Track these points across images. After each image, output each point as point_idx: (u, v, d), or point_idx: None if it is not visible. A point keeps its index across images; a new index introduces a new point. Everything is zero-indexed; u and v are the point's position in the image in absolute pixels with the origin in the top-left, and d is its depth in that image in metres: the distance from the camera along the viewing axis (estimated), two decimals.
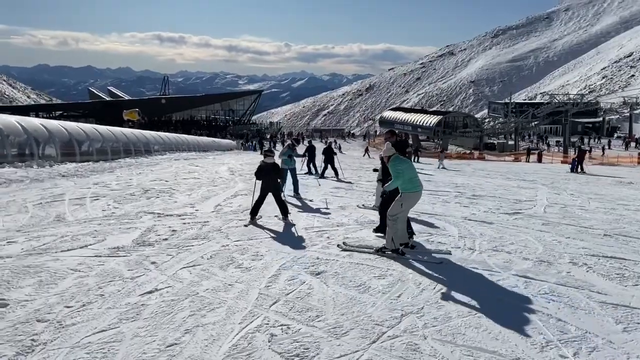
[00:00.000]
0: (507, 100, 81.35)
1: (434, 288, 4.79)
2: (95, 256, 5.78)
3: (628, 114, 79.19)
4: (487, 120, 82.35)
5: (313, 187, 14.13)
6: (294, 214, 9.10)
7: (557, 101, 63.93)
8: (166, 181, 14.17)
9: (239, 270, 5.36)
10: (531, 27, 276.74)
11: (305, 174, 18.50)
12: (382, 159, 7.06)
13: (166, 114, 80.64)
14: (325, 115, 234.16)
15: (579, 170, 25.84)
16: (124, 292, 4.52)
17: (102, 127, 25.94)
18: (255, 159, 30.75)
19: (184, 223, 8.05)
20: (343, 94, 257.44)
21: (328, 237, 7.12)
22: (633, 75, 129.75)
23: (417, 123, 67.68)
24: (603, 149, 52.85)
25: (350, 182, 16.22)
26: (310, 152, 19.05)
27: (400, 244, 6.04)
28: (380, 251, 6.13)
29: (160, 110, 79.30)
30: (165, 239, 6.83)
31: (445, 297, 4.56)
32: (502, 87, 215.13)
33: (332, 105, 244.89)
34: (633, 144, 61.13)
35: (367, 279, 5.07)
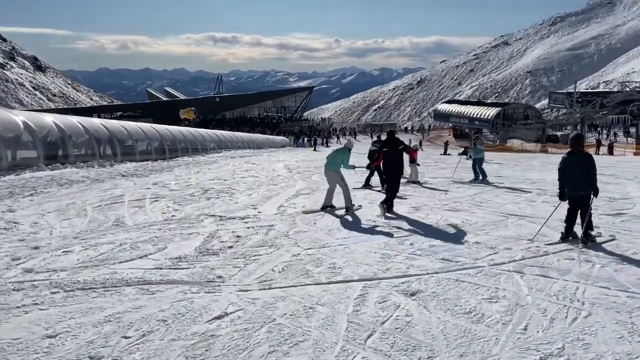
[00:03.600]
0: (570, 90, 76.90)
1: (566, 317, 3.83)
2: (156, 268, 5.17)
3: None
4: (546, 111, 78.23)
5: (377, 185, 13.22)
6: (368, 214, 8.29)
7: (629, 89, 59.58)
8: (225, 180, 13.69)
9: (318, 288, 4.58)
10: (592, 13, 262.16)
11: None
12: (381, 146, 9.34)
13: (220, 112, 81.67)
14: (375, 110, 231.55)
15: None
16: (189, 318, 3.84)
17: (160, 126, 26.10)
18: (309, 155, 30.14)
19: (248, 227, 7.39)
20: (393, 88, 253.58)
21: (412, 244, 6.23)
22: None
23: (474, 116, 65.03)
24: None
25: (416, 181, 15.29)
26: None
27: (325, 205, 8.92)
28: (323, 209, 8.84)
29: (214, 109, 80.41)
30: (230, 247, 6.17)
31: (586, 330, 3.59)
32: (561, 77, 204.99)
33: (382, 100, 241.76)
34: None
35: (475, 302, 4.15)
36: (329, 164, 8.95)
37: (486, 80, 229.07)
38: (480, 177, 14.21)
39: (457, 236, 6.68)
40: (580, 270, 5.02)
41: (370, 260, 5.52)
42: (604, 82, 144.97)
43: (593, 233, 6.50)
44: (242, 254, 5.81)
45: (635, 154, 40.26)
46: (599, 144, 42.57)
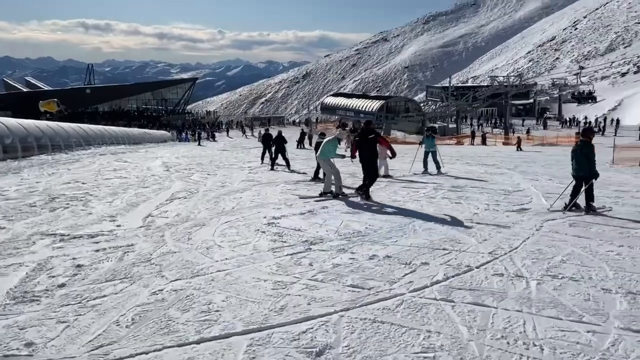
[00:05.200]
0: (445, 84, 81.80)
1: None
2: None
3: (557, 95, 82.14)
4: (422, 104, 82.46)
5: (266, 184, 11.85)
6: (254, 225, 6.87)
7: (497, 83, 64.59)
8: (83, 183, 11.43)
9: (182, 354, 3.10)
10: (460, 13, 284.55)
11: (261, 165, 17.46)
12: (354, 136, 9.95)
13: (92, 105, 74.52)
14: (262, 103, 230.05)
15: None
16: None
17: (10, 120, 22.22)
18: (192, 151, 27.86)
19: (97, 250, 5.62)
20: (280, 82, 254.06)
21: (311, 264, 4.96)
22: (557, 58, 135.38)
23: (360, 108, 66.29)
24: (528, 130, 53.56)
25: (304, 174, 14.33)
26: (266, 141, 18.02)
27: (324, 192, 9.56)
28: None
29: (85, 102, 73.18)
30: (62, 285, 4.42)
31: None
32: (435, 72, 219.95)
33: (269, 93, 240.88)
34: (559, 124, 62.95)
35: (405, 359, 2.97)
36: (322, 153, 9.64)
37: (368, 75, 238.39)
38: (436, 170, 14.33)
39: (363, 249, 5.55)
40: (516, 292, 4.10)
41: (259, 294, 4.15)
42: (472, 77, 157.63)
43: (593, 204, 8.00)
44: (78, 297, 4.11)
45: (504, 143, 43.45)
46: (473, 135, 45.21)
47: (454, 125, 61.70)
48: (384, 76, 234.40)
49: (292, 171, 15.22)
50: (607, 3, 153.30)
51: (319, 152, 9.85)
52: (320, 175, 12.81)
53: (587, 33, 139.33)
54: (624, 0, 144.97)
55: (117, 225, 6.99)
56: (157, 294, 4.19)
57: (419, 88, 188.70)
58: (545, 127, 59.17)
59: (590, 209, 7.90)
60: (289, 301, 3.96)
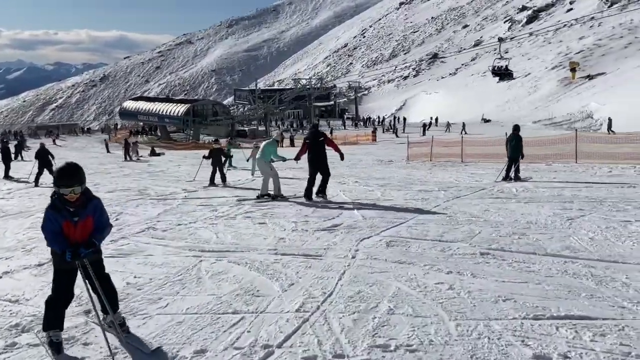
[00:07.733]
0: (252, 87, 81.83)
1: None
2: None
3: (354, 97, 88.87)
4: (233, 107, 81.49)
5: (15, 215, 8.82)
6: None
7: (301, 85, 66.52)
8: None
9: None
10: (261, 18, 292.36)
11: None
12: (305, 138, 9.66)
13: None
14: (53, 109, 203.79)
15: None
16: None
17: None
18: None
19: None
20: (73, 85, 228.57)
21: None
22: (351, 63, 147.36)
23: (164, 113, 61.98)
24: (331, 131, 56.47)
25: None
26: (5, 154, 16.96)
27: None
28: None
29: None
30: None
31: None
32: (242, 76, 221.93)
33: (60, 98, 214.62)
34: (361, 123, 67.82)
35: None
36: (263, 155, 9.60)
37: (174, 78, 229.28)
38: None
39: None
40: None
41: None
42: (277, 80, 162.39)
43: (520, 175, 11.98)
44: None
45: None
46: (282, 137, 45.36)
47: (263, 128, 61.73)
48: (192, 79, 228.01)
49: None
50: (387, 14, 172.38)
51: (259, 154, 9.82)
52: (217, 181, 12.68)
53: (374, 41, 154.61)
54: (401, 12, 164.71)
55: None
56: None
57: (227, 92, 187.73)
58: (345, 126, 62.90)
59: (518, 179, 11.74)
60: None
